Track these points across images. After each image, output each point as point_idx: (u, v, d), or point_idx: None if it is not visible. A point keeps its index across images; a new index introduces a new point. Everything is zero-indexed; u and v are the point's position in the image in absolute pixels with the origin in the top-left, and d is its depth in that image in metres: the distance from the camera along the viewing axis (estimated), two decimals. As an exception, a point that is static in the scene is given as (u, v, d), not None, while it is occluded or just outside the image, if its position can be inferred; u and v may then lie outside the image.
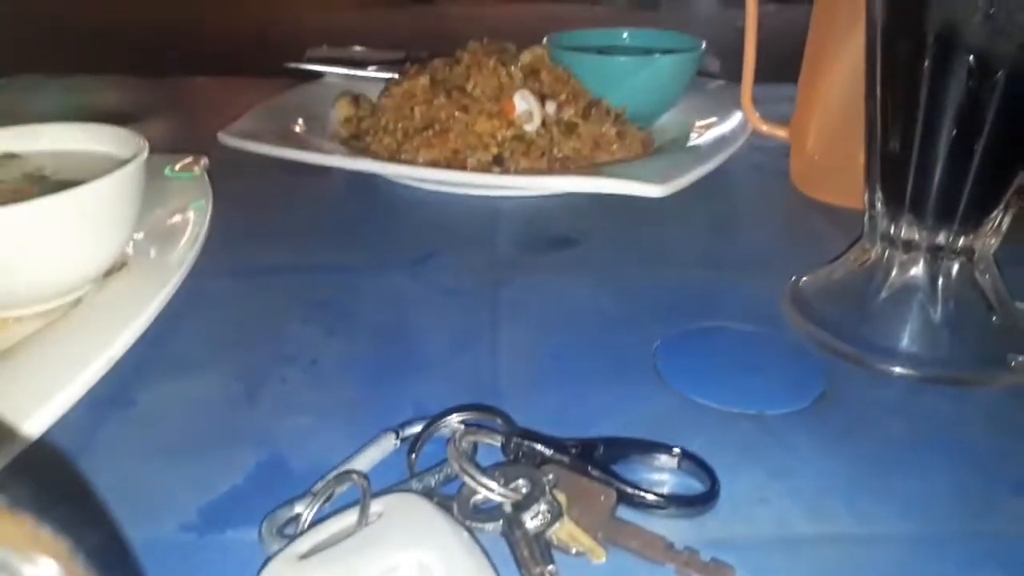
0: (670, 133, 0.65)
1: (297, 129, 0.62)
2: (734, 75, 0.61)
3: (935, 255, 0.38)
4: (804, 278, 0.44)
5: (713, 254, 0.50)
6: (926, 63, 0.34)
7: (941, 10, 0.33)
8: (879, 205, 0.39)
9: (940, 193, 0.37)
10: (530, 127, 0.58)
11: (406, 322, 0.41)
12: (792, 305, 0.41)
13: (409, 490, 0.27)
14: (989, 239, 0.38)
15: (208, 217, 0.45)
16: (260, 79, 0.84)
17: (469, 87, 0.60)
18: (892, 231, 0.39)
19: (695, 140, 0.62)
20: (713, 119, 0.64)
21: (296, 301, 0.43)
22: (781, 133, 0.59)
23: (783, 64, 0.62)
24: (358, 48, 1.36)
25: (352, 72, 0.73)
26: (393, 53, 1.24)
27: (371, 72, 0.73)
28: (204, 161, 0.51)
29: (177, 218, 0.45)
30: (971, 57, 0.33)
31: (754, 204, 0.58)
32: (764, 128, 0.59)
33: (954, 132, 0.35)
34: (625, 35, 0.73)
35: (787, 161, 0.60)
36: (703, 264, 0.48)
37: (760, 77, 0.59)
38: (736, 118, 0.62)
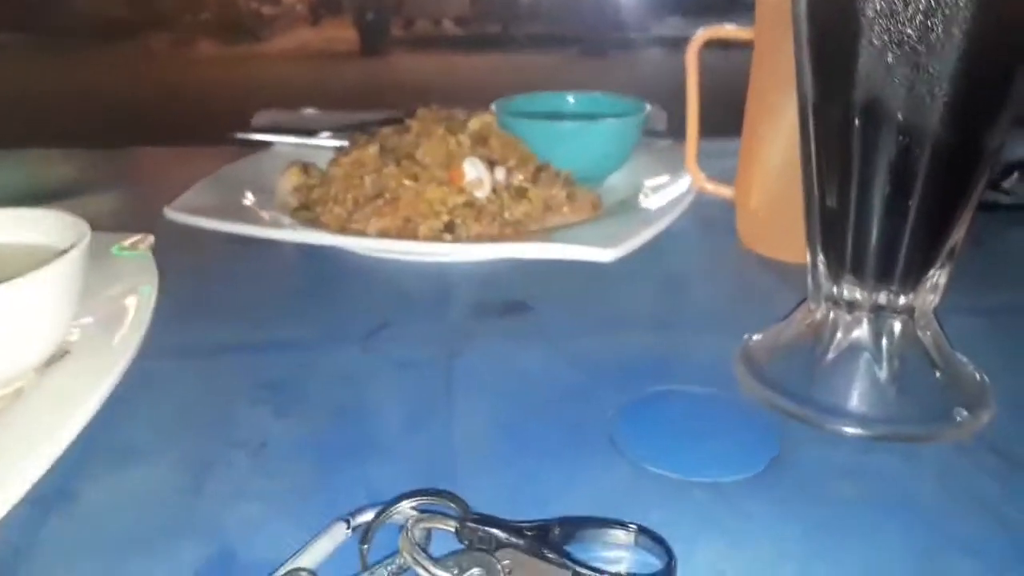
0: (619, 194, 0.66)
1: (245, 201, 0.62)
2: (682, 131, 0.62)
3: (878, 314, 0.39)
4: (754, 338, 0.44)
5: (665, 315, 0.50)
6: (855, 133, 0.35)
7: (867, 86, 0.34)
8: (821, 266, 0.40)
9: (878, 254, 0.38)
10: (480, 193, 0.59)
11: (358, 400, 0.41)
12: (743, 366, 0.42)
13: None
14: (928, 297, 0.39)
15: (154, 298, 0.45)
16: (208, 147, 0.83)
17: (418, 155, 0.61)
18: (835, 292, 0.39)
19: (644, 201, 0.63)
20: (661, 179, 0.65)
21: (245, 381, 0.42)
22: (726, 192, 0.60)
23: (733, 111, 0.61)
24: (309, 110, 1.36)
25: (301, 140, 0.73)
26: (343, 114, 1.24)
27: (321, 140, 0.73)
28: (150, 239, 0.51)
29: (122, 300, 0.44)
30: (897, 127, 0.34)
31: (703, 262, 0.58)
32: (709, 187, 0.61)
33: (887, 195, 0.36)
34: (571, 98, 0.75)
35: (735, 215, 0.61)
36: (655, 326, 0.48)
37: (709, 129, 0.60)
38: (684, 179, 0.63)
